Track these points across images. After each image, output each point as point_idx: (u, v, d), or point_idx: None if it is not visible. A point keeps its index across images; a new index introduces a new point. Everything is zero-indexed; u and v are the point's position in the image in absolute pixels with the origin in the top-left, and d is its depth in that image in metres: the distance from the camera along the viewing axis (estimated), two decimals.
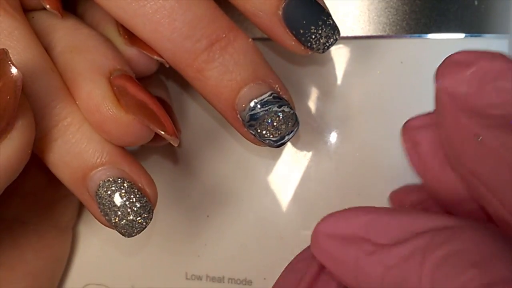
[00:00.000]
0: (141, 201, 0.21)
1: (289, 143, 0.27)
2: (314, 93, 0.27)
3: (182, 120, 0.29)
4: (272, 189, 0.28)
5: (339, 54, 0.27)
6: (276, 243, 0.28)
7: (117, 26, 0.23)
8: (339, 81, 0.27)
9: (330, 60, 0.27)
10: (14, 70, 0.17)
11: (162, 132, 0.21)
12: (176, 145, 0.21)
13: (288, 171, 0.28)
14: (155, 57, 0.22)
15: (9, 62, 0.17)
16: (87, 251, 0.30)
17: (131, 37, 0.22)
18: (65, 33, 0.22)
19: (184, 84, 0.29)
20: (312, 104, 0.27)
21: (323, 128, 0.27)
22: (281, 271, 0.28)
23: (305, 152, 0.28)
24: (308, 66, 0.27)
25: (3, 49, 0.17)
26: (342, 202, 0.27)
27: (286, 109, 0.21)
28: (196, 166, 0.29)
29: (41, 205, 0.27)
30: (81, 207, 0.30)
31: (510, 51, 0.26)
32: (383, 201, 0.26)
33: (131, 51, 0.23)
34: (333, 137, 0.27)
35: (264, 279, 0.28)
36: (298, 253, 0.27)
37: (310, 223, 0.27)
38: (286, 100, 0.21)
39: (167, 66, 0.22)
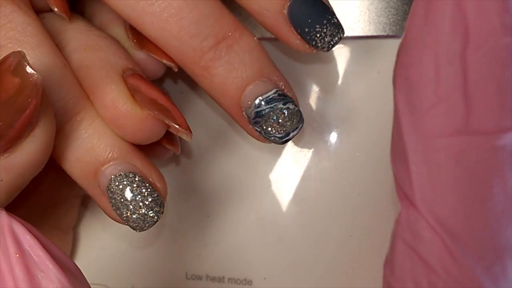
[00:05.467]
0: (153, 195, 0.21)
1: (289, 143, 0.27)
2: (314, 93, 0.27)
3: None
4: (272, 189, 0.28)
5: (339, 54, 0.27)
6: (276, 243, 0.28)
7: (126, 30, 0.23)
8: (339, 81, 0.27)
9: (330, 59, 0.27)
10: (32, 71, 0.17)
11: (177, 126, 0.21)
12: (189, 140, 0.22)
13: (288, 171, 0.28)
14: (164, 61, 0.22)
15: (25, 63, 0.17)
16: (88, 251, 0.30)
17: (140, 41, 0.23)
18: (76, 33, 0.22)
19: (184, 83, 0.29)
20: (312, 104, 0.27)
21: (323, 128, 0.27)
22: (281, 271, 0.28)
23: (305, 152, 0.28)
24: (308, 66, 0.27)
25: (19, 51, 0.17)
26: (342, 201, 0.27)
27: (291, 106, 0.22)
28: (196, 167, 0.29)
29: (43, 206, 0.27)
30: (82, 208, 0.30)
31: None
32: (383, 201, 0.26)
33: (139, 55, 0.23)
34: (333, 137, 0.27)
35: (264, 279, 0.28)
36: (298, 253, 0.27)
37: (310, 223, 0.27)
38: (290, 98, 0.22)
39: (176, 70, 0.23)
